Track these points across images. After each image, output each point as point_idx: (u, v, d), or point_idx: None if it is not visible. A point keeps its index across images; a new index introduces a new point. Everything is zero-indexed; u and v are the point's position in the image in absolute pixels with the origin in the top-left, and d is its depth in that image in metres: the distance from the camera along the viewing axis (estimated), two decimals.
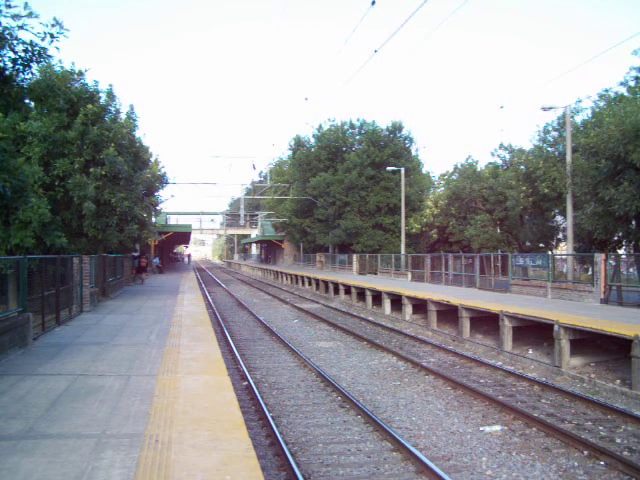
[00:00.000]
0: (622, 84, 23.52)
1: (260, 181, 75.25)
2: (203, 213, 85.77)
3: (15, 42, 7.98)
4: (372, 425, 8.40)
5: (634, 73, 22.58)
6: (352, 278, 31.84)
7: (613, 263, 17.56)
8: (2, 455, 4.72)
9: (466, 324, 16.15)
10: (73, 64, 18.71)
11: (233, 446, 4.95)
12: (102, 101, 19.85)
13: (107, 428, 5.47)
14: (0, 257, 12.30)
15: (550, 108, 22.35)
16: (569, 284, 18.76)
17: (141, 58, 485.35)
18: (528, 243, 33.97)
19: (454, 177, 42.33)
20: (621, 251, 23.55)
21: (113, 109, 20.50)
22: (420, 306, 19.70)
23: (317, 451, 7.50)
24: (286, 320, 21.66)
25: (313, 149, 46.50)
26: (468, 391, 10.44)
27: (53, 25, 8.19)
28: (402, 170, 36.49)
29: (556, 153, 28.02)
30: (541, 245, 34.07)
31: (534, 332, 14.54)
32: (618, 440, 7.98)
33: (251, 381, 10.85)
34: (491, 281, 23.90)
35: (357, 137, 45.75)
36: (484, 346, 14.89)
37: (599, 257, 17.13)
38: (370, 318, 21.74)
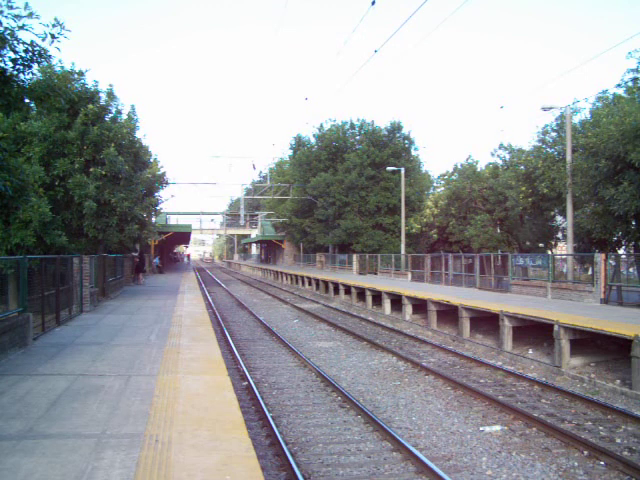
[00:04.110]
0: (619, 86, 23.54)
1: (260, 181, 75.28)
2: (203, 213, 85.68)
3: (16, 42, 7.98)
4: (372, 425, 8.40)
5: (631, 75, 22.60)
6: (352, 278, 31.84)
7: (613, 263, 17.55)
8: (2, 455, 4.73)
9: (466, 324, 16.15)
10: (73, 64, 18.75)
11: (233, 446, 4.95)
12: (102, 101, 19.88)
13: (107, 428, 5.47)
14: (0, 257, 12.31)
15: (550, 108, 22.37)
16: (569, 284, 18.75)
17: (141, 58, 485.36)
18: (528, 243, 33.97)
19: (454, 177, 42.36)
20: (621, 251, 23.55)
21: (114, 109, 20.53)
22: (420, 306, 19.70)
23: (317, 451, 7.50)
24: (286, 320, 21.66)
25: (314, 149, 46.50)
26: (468, 391, 10.44)
27: (54, 25, 8.19)
28: (402, 170, 36.48)
29: (555, 153, 28.02)
30: (541, 245, 34.07)
31: (534, 332, 14.54)
32: (618, 440, 7.99)
33: (251, 381, 10.85)
34: (491, 281, 23.89)
35: (357, 137, 45.73)
36: (484, 346, 14.89)
37: (599, 257, 17.13)
38: (370, 318, 21.74)
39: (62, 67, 17.38)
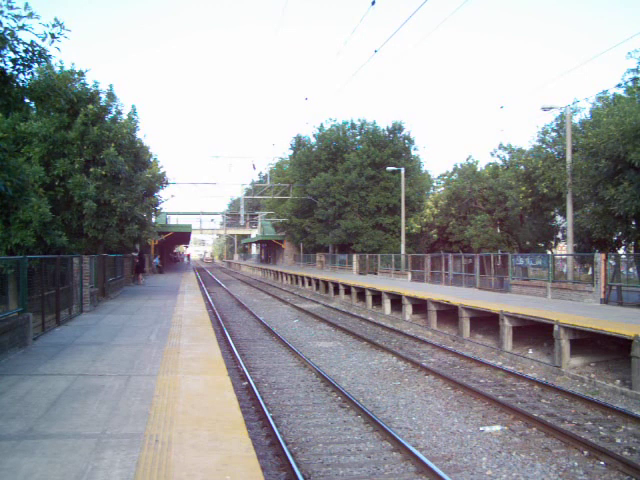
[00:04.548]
0: (619, 86, 23.56)
1: (260, 181, 75.30)
2: (203, 213, 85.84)
3: (16, 42, 7.99)
4: (372, 425, 8.40)
5: (631, 75, 22.62)
6: (352, 278, 31.84)
7: (613, 263, 17.55)
8: (2, 455, 4.72)
9: (466, 324, 16.15)
10: (73, 65, 18.69)
11: (233, 446, 4.95)
12: (102, 101, 19.86)
13: (107, 428, 5.47)
14: (0, 257, 12.31)
15: (550, 108, 22.38)
16: (569, 284, 18.75)
17: (141, 58, 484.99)
18: (528, 243, 33.98)
19: (454, 177, 42.37)
20: (620, 251, 23.55)
21: (114, 109, 20.51)
22: (420, 306, 19.70)
23: (317, 451, 7.50)
24: (286, 320, 21.66)
25: (314, 149, 46.51)
26: (468, 391, 10.44)
27: (54, 25, 8.19)
28: (402, 170, 36.49)
29: (555, 153, 28.03)
30: (541, 245, 34.08)
31: (534, 332, 14.54)
32: (618, 440, 7.99)
33: (251, 381, 10.85)
34: (491, 281, 23.89)
35: (357, 137, 45.74)
36: (484, 346, 14.89)
37: (599, 257, 17.13)
38: (370, 318, 21.74)
39: (62, 67, 17.40)
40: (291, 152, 50.81)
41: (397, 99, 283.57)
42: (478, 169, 40.09)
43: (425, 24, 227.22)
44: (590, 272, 19.44)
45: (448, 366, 12.97)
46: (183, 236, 60.19)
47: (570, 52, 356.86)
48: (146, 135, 47.84)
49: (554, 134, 29.22)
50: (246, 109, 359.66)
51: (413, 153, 44.47)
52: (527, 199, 30.56)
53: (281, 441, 7.42)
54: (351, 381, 11.52)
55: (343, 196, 41.85)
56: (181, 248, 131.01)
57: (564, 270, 21.41)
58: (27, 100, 9.12)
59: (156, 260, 47.31)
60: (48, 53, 8.45)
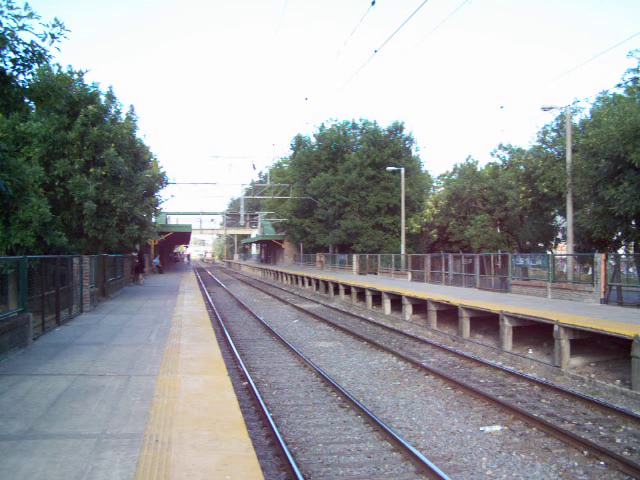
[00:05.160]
0: (619, 86, 23.57)
1: (260, 181, 75.31)
2: (203, 213, 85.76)
3: (16, 43, 7.99)
4: (372, 425, 8.40)
5: (631, 75, 22.63)
6: (352, 278, 31.84)
7: (613, 263, 17.55)
8: (2, 455, 4.73)
9: (466, 324, 16.15)
10: (70, 66, 18.60)
11: (233, 446, 4.95)
12: (102, 102, 19.88)
13: (107, 428, 5.47)
14: (0, 257, 12.31)
15: (550, 108, 22.38)
16: (569, 284, 18.75)
17: (141, 59, 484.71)
18: (528, 243, 33.98)
19: (454, 177, 42.36)
20: (620, 251, 23.55)
21: (113, 110, 20.52)
22: (420, 306, 19.70)
23: (317, 451, 7.51)
24: (286, 320, 21.67)
25: (314, 149, 46.49)
26: (468, 391, 10.44)
27: (54, 25, 8.20)
28: (402, 170, 36.48)
29: (555, 153, 28.03)
30: (541, 245, 34.08)
31: (534, 332, 14.54)
32: (618, 440, 7.99)
33: (251, 381, 10.86)
34: (491, 281, 23.89)
35: (358, 137, 45.72)
36: (484, 346, 14.90)
37: (599, 257, 17.13)
38: (370, 318, 21.74)
39: (59, 69, 17.36)
40: (291, 152, 50.79)
41: (397, 99, 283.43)
42: (478, 169, 40.06)
43: (425, 24, 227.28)
44: (590, 272, 19.44)
45: (448, 366, 12.97)
46: (183, 236, 60.19)
47: (570, 52, 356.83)
48: (146, 135, 47.77)
49: (554, 134, 29.21)
50: (246, 109, 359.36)
51: (414, 153, 44.47)
52: (527, 199, 30.54)
53: (281, 441, 7.42)
54: (351, 381, 11.52)
55: (343, 196, 41.84)
56: (181, 248, 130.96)
57: (564, 270, 21.42)
58: (27, 100, 9.11)
59: (156, 260, 47.30)
60: (48, 53, 8.45)
